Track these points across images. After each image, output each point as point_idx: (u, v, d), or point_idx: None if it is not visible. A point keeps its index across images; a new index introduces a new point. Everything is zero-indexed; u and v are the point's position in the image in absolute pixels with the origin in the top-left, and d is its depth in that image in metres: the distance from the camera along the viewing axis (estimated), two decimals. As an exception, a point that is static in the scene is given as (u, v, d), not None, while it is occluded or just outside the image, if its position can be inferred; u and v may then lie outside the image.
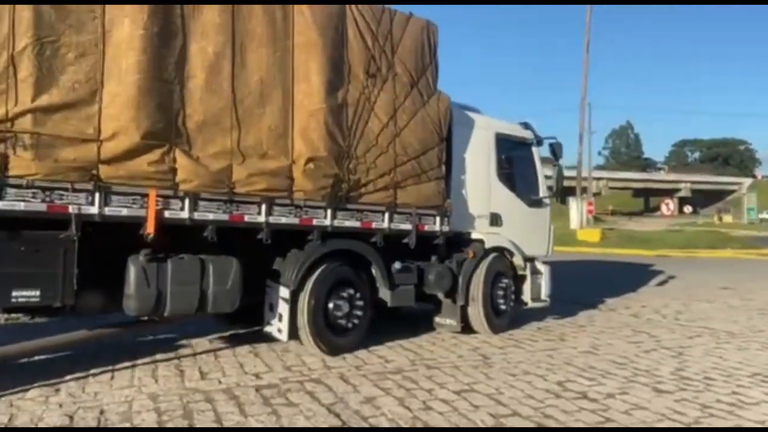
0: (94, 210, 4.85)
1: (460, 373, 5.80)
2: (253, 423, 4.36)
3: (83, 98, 4.78)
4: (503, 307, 7.86)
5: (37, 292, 4.67)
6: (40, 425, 4.24)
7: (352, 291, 6.49)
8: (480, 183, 7.90)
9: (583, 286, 13.07)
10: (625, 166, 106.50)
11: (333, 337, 6.36)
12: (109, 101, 4.88)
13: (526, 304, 8.35)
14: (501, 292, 7.82)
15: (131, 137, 4.96)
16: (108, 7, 4.89)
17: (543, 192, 8.89)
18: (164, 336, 6.91)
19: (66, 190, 4.72)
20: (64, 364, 5.58)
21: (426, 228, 7.03)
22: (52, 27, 4.65)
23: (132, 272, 5.11)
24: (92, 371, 5.47)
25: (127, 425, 4.26)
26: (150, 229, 5.08)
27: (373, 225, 6.58)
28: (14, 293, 4.58)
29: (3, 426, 4.20)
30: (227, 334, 7.15)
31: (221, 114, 5.49)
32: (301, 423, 4.39)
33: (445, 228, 7.22)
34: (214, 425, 4.31)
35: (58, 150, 4.66)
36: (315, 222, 6.12)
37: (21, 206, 4.55)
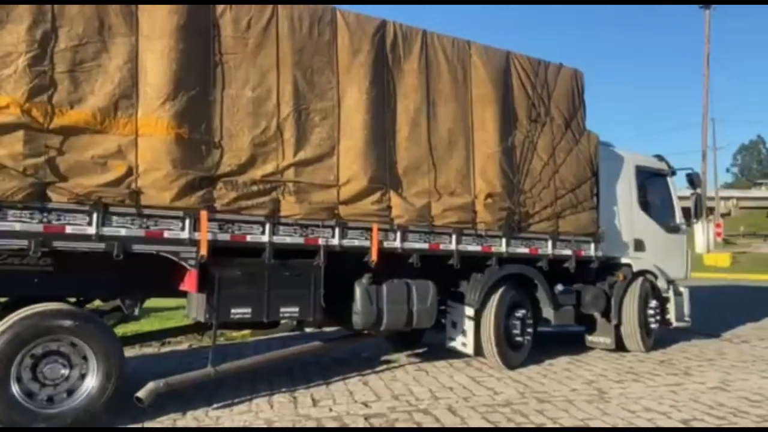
0: (335, 242, 5.98)
1: (573, 407, 5.69)
2: None
3: (326, 152, 5.96)
4: (653, 326, 8.45)
5: (297, 309, 5.80)
6: None
7: (524, 311, 7.33)
8: (624, 212, 8.62)
9: (711, 315, 12.26)
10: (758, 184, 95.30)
11: (510, 352, 7.20)
12: (344, 154, 6.04)
13: (671, 324, 8.89)
14: (651, 312, 8.43)
15: (361, 182, 6.09)
16: (341, 77, 6.09)
17: (679, 218, 9.46)
18: (282, 365, 7.05)
19: (317, 226, 5.88)
20: (189, 390, 5.77)
21: (583, 253, 7.81)
22: (305, 97, 5.87)
23: (359, 293, 6.20)
24: (215, 397, 5.83)
25: None
26: (374, 257, 6.16)
27: (539, 251, 7.44)
28: (282, 309, 5.72)
29: None
30: (339, 363, 7.47)
31: (420, 160, 6.57)
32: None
33: (599, 253, 7.97)
34: None
35: (311, 194, 5.83)
36: (493, 249, 7.06)
37: (287, 240, 5.72)
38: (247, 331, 8.87)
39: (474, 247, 6.92)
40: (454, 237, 6.75)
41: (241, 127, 5.52)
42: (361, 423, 5.09)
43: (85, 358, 4.91)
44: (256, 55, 5.62)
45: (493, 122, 7.08)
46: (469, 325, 6.98)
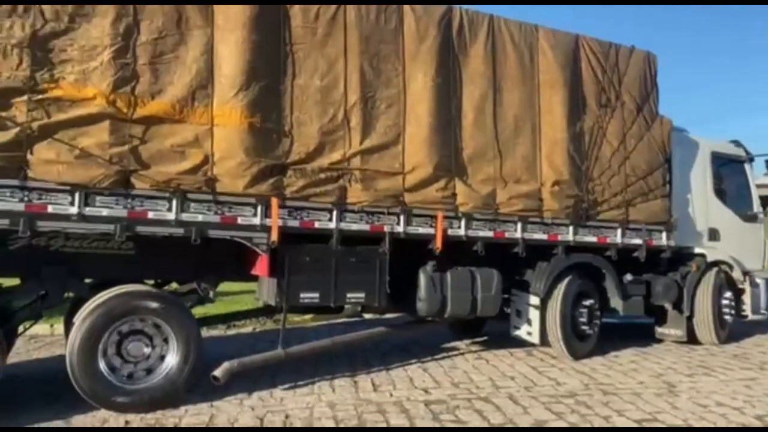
0: (400, 229, 6.04)
1: (640, 400, 5.57)
2: None
3: (392, 140, 6.00)
4: (728, 318, 8.12)
5: (363, 294, 5.90)
6: (236, 425, 4.72)
7: (591, 301, 7.19)
8: (698, 200, 8.29)
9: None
10: None
11: (577, 342, 7.09)
12: (410, 141, 6.06)
13: (746, 316, 8.51)
14: (725, 303, 8.10)
15: (426, 169, 6.11)
16: (407, 64, 6.10)
17: (756, 207, 9.01)
18: (343, 350, 7.10)
19: (382, 213, 5.95)
20: (254, 371, 5.86)
21: (654, 243, 7.56)
22: (371, 85, 5.92)
23: (423, 280, 6.24)
24: (278, 379, 5.97)
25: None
26: (438, 244, 6.17)
27: (608, 240, 7.26)
28: (348, 294, 5.84)
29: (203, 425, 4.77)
30: (399, 349, 7.52)
31: (486, 147, 6.51)
32: (470, 441, 4.55)
33: (671, 243, 7.70)
34: None
35: (376, 182, 5.90)
36: (560, 237, 6.94)
37: (354, 226, 5.82)
38: (308, 316, 9.10)
39: (540, 236, 6.82)
40: (519, 225, 6.68)
41: (310, 115, 5.63)
42: (421, 409, 5.17)
43: (166, 339, 5.17)
44: (325, 44, 5.71)
45: (561, 107, 6.93)
46: (534, 314, 6.91)
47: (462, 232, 6.37)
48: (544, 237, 6.86)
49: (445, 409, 5.17)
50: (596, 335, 7.31)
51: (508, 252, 6.77)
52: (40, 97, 4.59)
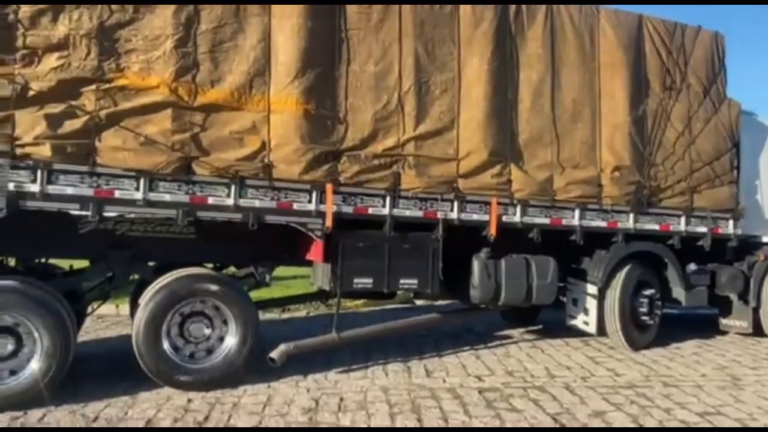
0: (454, 215, 6.00)
1: (703, 393, 5.45)
2: (476, 424, 4.55)
3: (446, 126, 5.94)
4: (800, 311, 7.72)
5: (416, 281, 5.90)
6: (292, 407, 4.82)
7: (652, 290, 6.97)
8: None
9: None
10: None
11: (636, 333, 6.90)
12: (464, 126, 5.99)
13: (820, 310, 8.04)
14: (798, 295, 7.70)
15: (481, 155, 6.03)
16: (462, 48, 6.01)
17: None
18: (396, 336, 7.07)
19: (436, 200, 5.92)
20: (309, 354, 5.94)
21: (720, 231, 7.26)
22: (425, 70, 5.87)
23: (476, 267, 6.19)
24: (333, 362, 6.06)
25: (363, 413, 4.72)
26: (492, 231, 6.10)
27: (671, 228, 7.01)
28: (401, 280, 5.85)
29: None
30: (451, 337, 7.50)
31: (543, 131, 6.37)
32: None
33: (738, 231, 7.37)
34: (440, 422, 4.55)
35: (430, 168, 5.87)
36: (620, 225, 6.75)
37: (407, 213, 5.82)
38: (360, 301, 9.18)
39: (599, 223, 6.65)
40: (577, 212, 6.53)
41: (364, 101, 5.64)
42: (475, 396, 5.17)
43: (225, 321, 5.32)
44: (379, 30, 5.68)
45: (623, 90, 6.70)
46: (591, 304, 6.76)
47: (517, 218, 6.27)
48: (603, 224, 6.67)
49: (499, 397, 5.14)
50: (656, 326, 7.09)
51: (564, 239, 6.63)
52: (107, 86, 4.77)
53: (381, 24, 5.69)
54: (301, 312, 9.17)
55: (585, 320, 6.83)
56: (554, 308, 7.25)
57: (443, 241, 5.99)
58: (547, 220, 6.41)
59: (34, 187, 4.59)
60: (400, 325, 6.63)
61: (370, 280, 5.74)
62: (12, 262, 5.68)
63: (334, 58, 5.53)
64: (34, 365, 4.66)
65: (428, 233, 5.95)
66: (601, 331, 6.83)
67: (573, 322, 7.01)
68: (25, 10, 4.53)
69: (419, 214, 5.87)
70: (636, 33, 6.84)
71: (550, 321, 8.27)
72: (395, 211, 5.76)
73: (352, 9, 5.59)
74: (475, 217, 6.09)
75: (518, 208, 6.26)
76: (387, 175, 5.69)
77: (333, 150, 5.51)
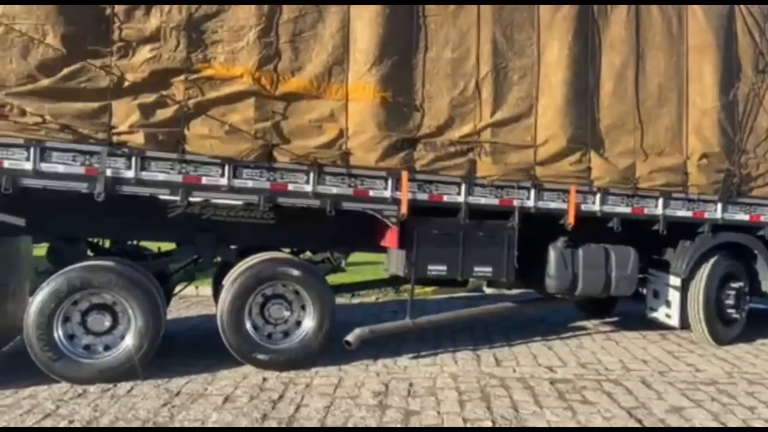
0: (530, 203, 5.91)
1: None
2: (548, 415, 4.49)
3: (524, 112, 5.84)
4: None
5: (490, 269, 5.87)
6: (362, 389, 4.92)
7: (740, 283, 6.65)
8: None
9: None
10: None
11: (721, 327, 6.60)
12: (542, 113, 5.86)
13: None
14: None
15: (559, 142, 5.89)
16: (542, 32, 5.87)
17: None
18: (464, 323, 7.08)
19: (512, 187, 5.85)
20: (379, 339, 5.99)
21: (817, 222, 6.80)
22: (504, 55, 5.77)
23: (553, 256, 6.09)
24: (402, 348, 6.12)
25: (432, 399, 4.76)
26: (570, 219, 5.97)
27: (762, 219, 6.65)
28: (476, 268, 5.84)
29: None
30: (522, 326, 7.41)
31: (625, 117, 6.15)
32: (598, 423, 4.37)
33: (836, 223, 6.87)
34: (510, 411, 4.53)
35: (507, 155, 5.79)
36: (707, 215, 6.46)
37: (482, 200, 5.78)
38: (429, 289, 9.21)
39: (684, 213, 6.38)
40: (660, 201, 6.29)
41: (441, 88, 5.61)
42: (546, 387, 5.10)
43: (303, 306, 5.48)
44: (457, 16, 5.62)
45: (712, 74, 6.37)
46: (674, 296, 6.51)
47: (597, 207, 6.11)
48: (689, 214, 6.40)
49: (571, 389, 5.07)
50: (743, 321, 6.77)
51: (646, 229, 6.40)
52: (195, 76, 4.96)
53: (459, 10, 5.62)
54: (370, 297, 9.30)
55: (667, 313, 6.59)
56: (632, 300, 7.03)
57: (519, 229, 5.92)
58: (628, 209, 6.20)
59: (129, 173, 4.85)
60: (473, 313, 6.62)
61: (444, 267, 5.75)
62: (107, 244, 6.06)
63: (411, 45, 5.51)
64: (128, 341, 4.96)
65: (503, 221, 5.89)
66: (684, 324, 6.57)
67: (654, 314, 6.78)
68: (121, 4, 4.76)
69: (495, 201, 5.82)
70: (727, 14, 6.47)
71: (626, 313, 8.03)
72: (470, 199, 5.73)
73: (429, -5, 5.56)
74: (552, 205, 5.98)
75: (598, 197, 6.09)
76: (463, 162, 5.66)
77: (409, 137, 5.52)
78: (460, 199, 5.71)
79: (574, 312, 8.28)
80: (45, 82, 4.59)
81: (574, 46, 5.92)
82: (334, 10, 5.27)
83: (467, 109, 5.68)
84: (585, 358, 6.09)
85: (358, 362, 5.63)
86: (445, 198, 5.70)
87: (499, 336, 6.89)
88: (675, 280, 6.50)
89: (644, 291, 6.94)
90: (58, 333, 4.82)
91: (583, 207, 6.06)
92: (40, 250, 6.06)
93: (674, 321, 6.52)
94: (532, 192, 5.89)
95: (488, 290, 9.28)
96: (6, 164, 4.60)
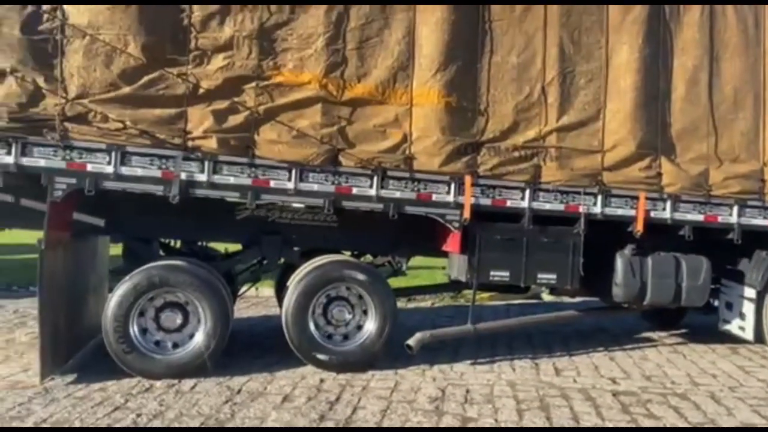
0: (597, 210, 5.80)
1: None
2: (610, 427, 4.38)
3: (591, 116, 5.74)
4: None
5: (554, 276, 5.79)
6: (419, 394, 4.87)
7: (820, 296, 6.29)
8: None
9: None
10: None
11: (798, 341, 6.27)
12: (611, 117, 5.75)
13: None
14: None
15: (628, 147, 5.76)
16: (611, 36, 5.75)
17: None
18: (522, 331, 7.00)
19: (578, 193, 5.76)
20: (434, 344, 5.99)
21: None
22: (571, 59, 5.69)
23: (620, 264, 5.94)
24: (459, 354, 6.06)
25: (489, 406, 4.68)
26: (639, 227, 5.82)
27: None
28: (539, 275, 5.77)
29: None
30: (582, 335, 7.18)
31: (698, 122, 5.95)
32: (666, 438, 4.25)
33: None
34: (570, 422, 4.43)
35: (573, 161, 5.71)
36: (785, 224, 6.15)
37: (547, 206, 5.71)
38: (486, 294, 9.11)
39: (761, 221, 6.13)
40: (735, 209, 6.06)
41: (505, 93, 5.58)
42: (608, 399, 4.97)
43: (365, 311, 5.54)
44: (523, 20, 5.59)
45: (792, 77, 6.08)
46: (748, 308, 6.24)
47: (667, 214, 5.94)
48: (766, 223, 6.13)
49: (635, 402, 4.94)
50: (822, 336, 6.38)
51: (718, 238, 6.17)
52: (265, 83, 5.10)
53: (525, 14, 5.58)
54: (426, 302, 9.30)
55: (740, 325, 6.32)
56: (700, 311, 6.77)
57: (584, 235, 5.80)
58: (700, 217, 6.00)
59: (202, 177, 5.03)
60: (536, 320, 6.54)
61: (507, 273, 5.71)
62: (178, 244, 6.30)
63: (476, 50, 5.51)
64: (197, 340, 5.13)
65: (569, 227, 5.80)
66: (758, 337, 6.27)
67: (727, 326, 6.51)
68: (197, 14, 4.96)
69: (560, 207, 5.74)
70: (810, 13, 6.17)
71: (693, 325, 7.71)
72: (535, 204, 5.67)
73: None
74: (620, 212, 5.84)
75: (668, 204, 5.92)
76: (527, 167, 5.61)
77: (473, 142, 5.51)
78: (524, 204, 5.66)
79: (638, 322, 8.02)
80: (126, 89, 4.83)
81: (645, 49, 5.77)
82: (400, 17, 5.32)
83: (532, 114, 5.63)
84: (650, 370, 5.91)
85: (415, 366, 5.64)
86: (509, 203, 5.66)
87: (559, 345, 6.75)
88: (750, 292, 6.22)
89: (716, 302, 6.68)
90: (134, 327, 5.03)
91: (653, 214, 5.90)
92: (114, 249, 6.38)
93: (748, 334, 6.24)
94: (599, 198, 5.77)
95: (547, 298, 9.13)
96: (89, 167, 4.85)
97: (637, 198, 5.82)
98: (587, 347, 6.69)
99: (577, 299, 7.46)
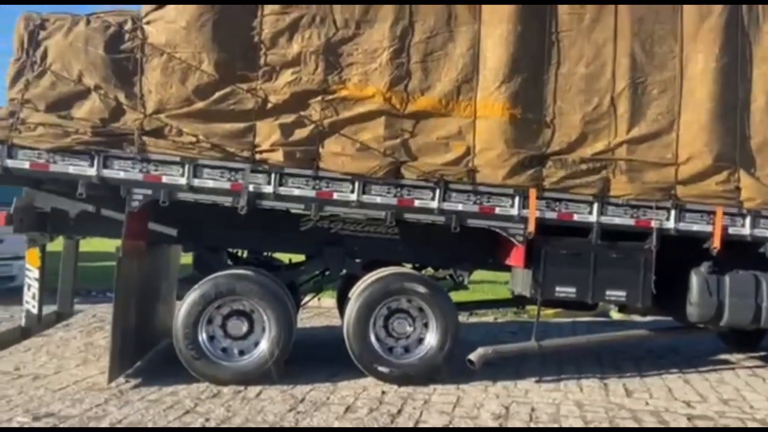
0: (670, 225, 5.57)
1: None
2: None
3: (664, 128, 5.53)
4: None
5: (624, 293, 5.59)
6: (481, 411, 4.79)
7: None
8: None
9: None
10: None
11: None
12: (685, 129, 5.52)
13: None
14: None
15: (704, 160, 5.52)
16: (685, 45, 5.54)
17: None
18: (590, 350, 6.78)
19: (650, 207, 5.54)
20: (497, 360, 5.88)
21: None
22: (642, 69, 5.51)
23: (696, 282, 5.67)
24: (523, 371, 5.94)
25: (555, 425, 4.54)
26: (716, 243, 5.54)
27: None
28: (608, 292, 5.58)
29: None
30: (654, 356, 6.92)
31: (781, 134, 5.62)
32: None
33: None
34: None
35: (644, 173, 5.51)
36: None
37: (616, 220, 5.53)
38: (551, 311, 8.88)
39: None
40: (819, 226, 5.65)
41: (573, 104, 5.47)
42: (683, 423, 4.77)
43: (426, 324, 5.51)
44: (592, 30, 5.46)
45: None
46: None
47: (746, 231, 5.63)
48: None
49: (712, 427, 4.71)
50: None
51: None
52: (330, 97, 5.21)
53: (594, 24, 5.46)
54: (487, 317, 9.16)
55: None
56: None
57: (656, 251, 5.57)
58: (783, 234, 5.65)
59: (268, 188, 5.18)
60: (604, 339, 6.33)
61: (574, 289, 5.56)
62: (244, 254, 6.49)
63: (542, 61, 5.43)
64: (262, 348, 5.25)
65: (639, 242, 5.59)
66: None
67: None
68: (267, 31, 5.14)
69: (630, 222, 5.54)
70: None
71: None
72: (603, 219, 5.49)
73: (563, 10, 5.44)
74: (695, 227, 5.59)
75: (748, 220, 5.62)
76: (595, 180, 5.46)
77: (538, 154, 5.42)
78: (592, 218, 5.50)
79: (713, 344, 7.61)
80: (199, 104, 5.05)
81: (722, 58, 5.52)
82: (465, 30, 5.32)
83: (601, 126, 5.48)
84: (727, 394, 5.64)
85: (477, 382, 5.56)
86: (576, 217, 5.52)
87: (629, 365, 6.50)
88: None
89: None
90: (202, 334, 5.20)
91: (731, 230, 5.61)
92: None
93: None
94: (673, 212, 5.54)
95: (616, 316, 8.81)
96: (164, 179, 5.08)
97: (713, 213, 5.55)
98: (660, 368, 6.43)
99: (649, 318, 7.19)
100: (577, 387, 5.65)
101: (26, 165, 4.98)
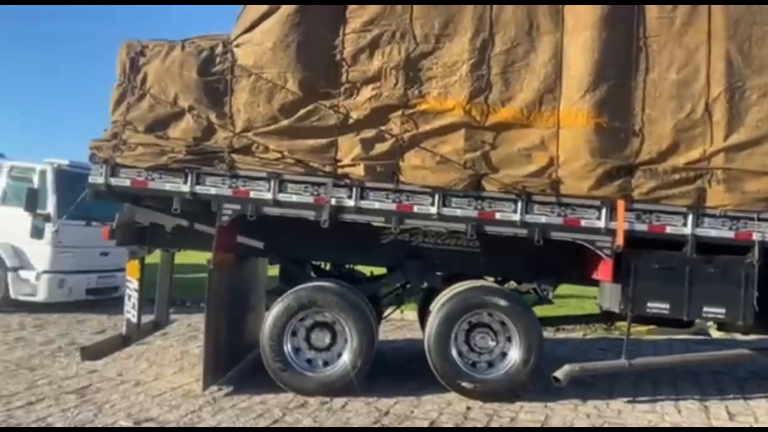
0: (781, 236, 5.18)
1: None
2: None
3: (765, 134, 5.17)
4: None
5: (723, 310, 5.24)
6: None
7: None
8: None
9: None
10: None
11: None
12: (789, 135, 5.13)
13: None
14: None
15: (811, 168, 5.10)
16: (788, 46, 5.16)
17: None
18: (687, 369, 6.49)
19: (751, 219, 5.18)
20: (587, 378, 5.72)
21: None
22: (740, 73, 5.19)
23: (803, 301, 5.20)
24: (615, 390, 5.71)
25: None
26: (827, 259, 5.08)
27: None
28: (705, 308, 5.25)
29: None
30: (760, 377, 6.44)
31: None
32: None
33: None
34: None
35: (744, 183, 5.17)
36: None
37: (713, 233, 5.21)
38: (643, 328, 8.44)
39: None
40: None
41: (663, 111, 5.23)
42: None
43: (509, 338, 5.41)
44: (683, 34, 5.21)
45: None
46: None
47: None
48: None
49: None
50: None
51: None
52: (410, 111, 5.27)
53: (685, 28, 5.20)
54: (577, 333, 8.85)
55: None
56: None
57: (760, 265, 5.20)
58: None
59: (350, 202, 5.28)
60: (701, 358, 5.98)
61: (667, 306, 5.28)
62: (327, 267, 6.62)
63: (629, 68, 5.23)
64: (345, 359, 5.33)
65: (739, 256, 5.23)
66: None
67: None
68: (349, 49, 5.27)
69: (729, 234, 5.20)
70: None
71: None
72: (698, 231, 5.20)
73: (651, 14, 5.23)
74: (817, 240, 5.16)
75: None
76: (689, 190, 5.18)
77: (626, 164, 5.22)
78: (686, 230, 5.21)
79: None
80: (284, 122, 5.24)
81: (827, 59, 5.10)
82: (547, 39, 5.23)
83: (695, 133, 5.21)
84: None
85: (566, 401, 5.39)
86: (668, 229, 5.25)
87: (731, 386, 6.12)
88: None
89: None
90: (287, 345, 5.35)
91: None
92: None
93: None
94: None
95: (715, 334, 8.26)
96: (252, 194, 5.30)
97: (825, 226, 5.11)
98: (765, 390, 5.99)
99: (752, 337, 6.70)
100: (675, 409, 5.38)
101: (127, 183, 5.35)
